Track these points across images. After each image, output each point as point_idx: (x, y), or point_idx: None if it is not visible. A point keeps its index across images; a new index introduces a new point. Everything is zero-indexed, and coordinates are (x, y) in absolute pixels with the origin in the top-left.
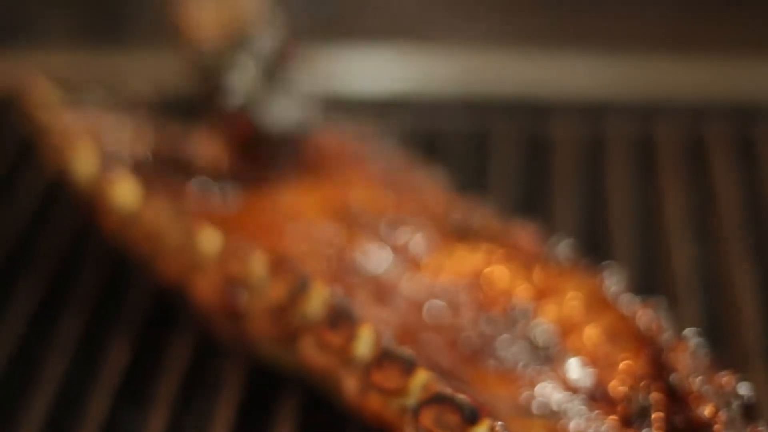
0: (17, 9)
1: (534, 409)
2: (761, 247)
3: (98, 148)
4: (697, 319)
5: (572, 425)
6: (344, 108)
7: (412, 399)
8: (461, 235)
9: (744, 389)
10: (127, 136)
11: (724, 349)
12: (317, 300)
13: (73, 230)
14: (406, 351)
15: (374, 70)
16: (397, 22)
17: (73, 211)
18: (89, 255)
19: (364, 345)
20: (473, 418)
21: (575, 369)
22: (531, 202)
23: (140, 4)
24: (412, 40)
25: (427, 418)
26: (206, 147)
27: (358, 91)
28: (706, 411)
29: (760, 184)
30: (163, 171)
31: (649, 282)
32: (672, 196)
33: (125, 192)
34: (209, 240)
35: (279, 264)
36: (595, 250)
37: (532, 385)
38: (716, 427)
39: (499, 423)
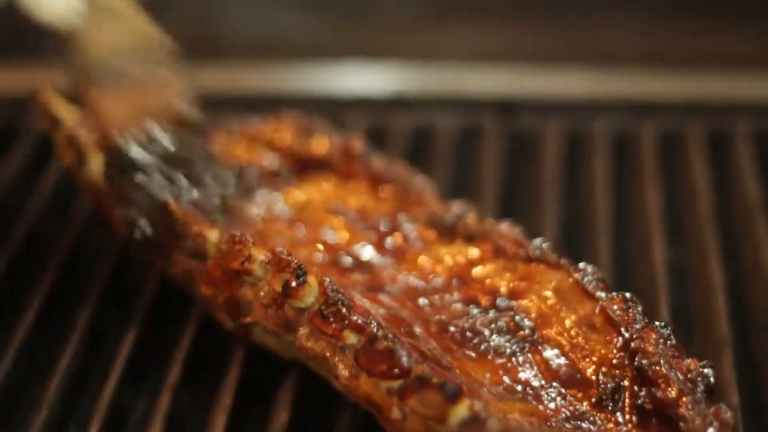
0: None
1: (514, 393)
2: (733, 243)
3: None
4: (671, 312)
5: (550, 408)
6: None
7: (397, 382)
8: (450, 234)
9: (708, 373)
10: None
11: (696, 339)
12: (312, 292)
13: (84, 223)
14: (393, 338)
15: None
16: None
17: (85, 204)
18: (100, 246)
19: (354, 333)
20: (454, 398)
21: (553, 356)
22: (512, 198)
23: None
24: (406, 55)
25: (412, 398)
26: (209, 147)
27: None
28: (673, 393)
29: (734, 182)
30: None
31: (625, 276)
32: (650, 193)
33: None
34: (209, 234)
35: (276, 257)
36: (573, 245)
37: (514, 371)
38: (681, 409)
39: (479, 403)
